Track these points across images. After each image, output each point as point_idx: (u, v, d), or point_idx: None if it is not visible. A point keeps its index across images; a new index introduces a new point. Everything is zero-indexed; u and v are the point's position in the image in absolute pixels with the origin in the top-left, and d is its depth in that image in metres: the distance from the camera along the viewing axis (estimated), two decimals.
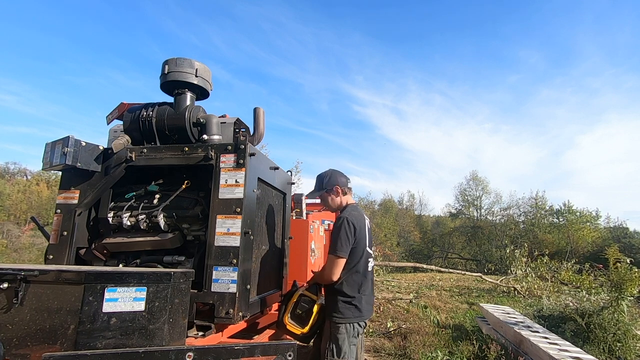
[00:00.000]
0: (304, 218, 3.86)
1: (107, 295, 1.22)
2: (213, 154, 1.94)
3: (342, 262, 2.05)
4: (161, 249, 1.98)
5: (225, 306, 1.74)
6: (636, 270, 4.60)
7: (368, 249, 2.19)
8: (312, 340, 2.22)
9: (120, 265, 1.99)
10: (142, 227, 1.97)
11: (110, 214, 2.03)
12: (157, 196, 2.05)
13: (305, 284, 2.27)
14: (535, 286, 8.25)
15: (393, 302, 7.04)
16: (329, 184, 2.27)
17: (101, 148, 2.04)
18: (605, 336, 4.03)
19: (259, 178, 2.10)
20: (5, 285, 1.20)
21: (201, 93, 2.24)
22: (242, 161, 1.90)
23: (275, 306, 2.72)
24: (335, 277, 2.05)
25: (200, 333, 1.82)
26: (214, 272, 1.78)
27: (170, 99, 2.20)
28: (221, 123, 2.18)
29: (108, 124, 2.36)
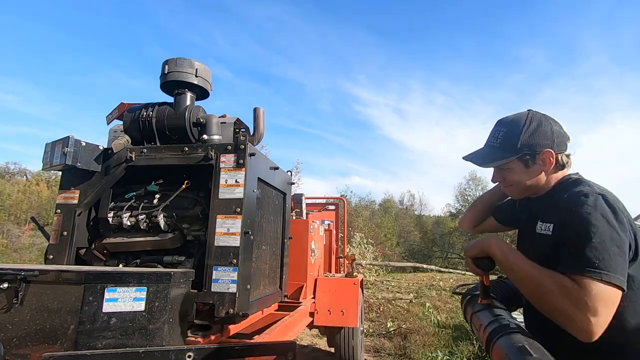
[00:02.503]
0: (304, 218, 3.87)
1: (107, 295, 1.22)
2: (213, 154, 1.94)
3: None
4: (161, 249, 1.98)
5: (225, 306, 1.74)
6: None
7: None
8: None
9: (120, 265, 1.99)
10: (142, 227, 1.97)
11: (110, 214, 2.03)
12: (157, 196, 2.05)
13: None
14: None
15: (393, 302, 7.04)
16: (534, 143, 1.12)
17: (101, 148, 2.04)
18: None
19: (259, 178, 2.10)
20: (5, 285, 1.20)
21: (201, 93, 2.24)
22: (242, 161, 1.90)
23: (275, 306, 2.72)
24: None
25: (200, 333, 1.82)
26: (214, 272, 1.78)
27: (170, 99, 2.20)
28: (221, 123, 2.18)
29: (108, 124, 2.36)
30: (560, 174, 1.16)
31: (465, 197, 23.96)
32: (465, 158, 1.23)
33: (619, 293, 0.88)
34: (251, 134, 2.28)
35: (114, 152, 2.01)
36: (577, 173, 1.17)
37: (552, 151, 1.11)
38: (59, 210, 2.00)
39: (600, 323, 0.85)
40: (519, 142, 1.12)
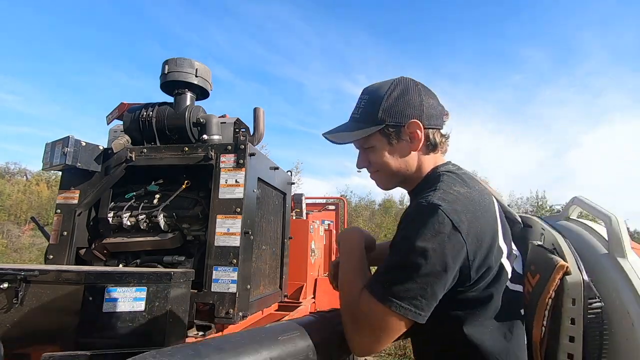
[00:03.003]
0: (304, 218, 3.87)
1: (107, 295, 1.22)
2: (213, 154, 1.94)
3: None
4: (161, 249, 1.98)
5: (225, 306, 1.74)
6: None
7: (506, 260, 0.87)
8: None
9: (120, 265, 1.99)
10: (142, 227, 1.97)
11: (110, 214, 2.03)
12: (157, 196, 2.05)
13: None
14: None
15: None
16: (397, 112, 0.90)
17: (101, 148, 2.04)
18: None
19: (259, 178, 2.10)
20: (5, 285, 1.20)
21: (201, 93, 2.25)
22: (242, 161, 1.90)
23: (275, 306, 2.73)
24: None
25: (200, 333, 1.82)
26: (214, 272, 1.78)
27: (170, 99, 2.20)
28: (221, 123, 2.18)
29: (108, 124, 2.37)
30: (433, 162, 0.94)
31: None
32: (324, 134, 0.97)
33: (400, 321, 0.77)
34: (251, 134, 2.28)
35: (114, 152, 2.01)
36: (449, 163, 0.95)
37: (420, 122, 0.89)
38: (59, 210, 2.00)
39: (367, 344, 0.80)
40: (379, 111, 0.89)
